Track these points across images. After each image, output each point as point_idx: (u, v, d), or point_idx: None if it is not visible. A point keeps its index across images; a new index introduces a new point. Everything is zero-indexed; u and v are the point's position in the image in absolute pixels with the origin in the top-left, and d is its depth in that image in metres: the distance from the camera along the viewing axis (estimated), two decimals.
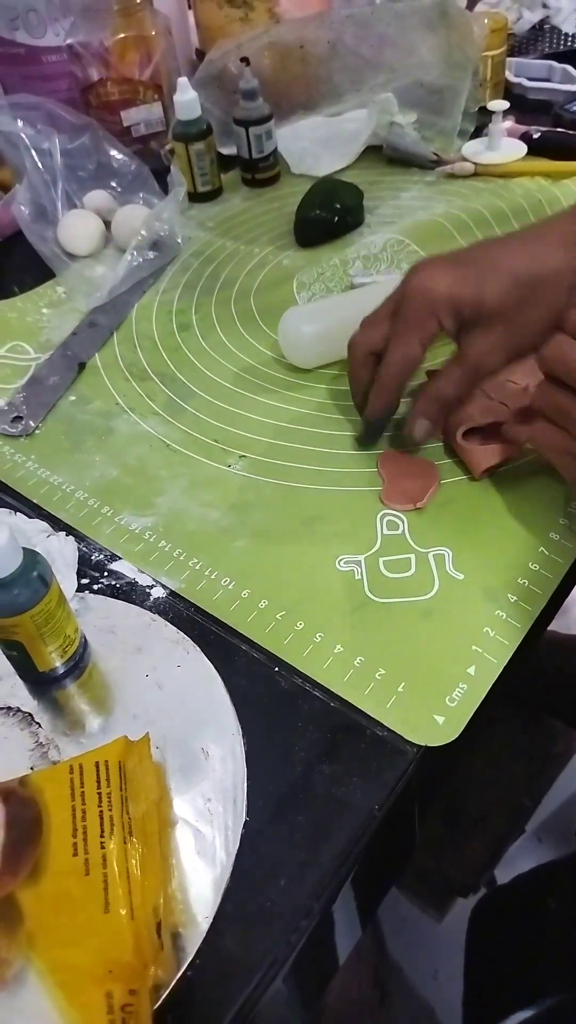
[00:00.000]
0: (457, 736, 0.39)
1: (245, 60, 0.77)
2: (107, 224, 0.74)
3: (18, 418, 0.56)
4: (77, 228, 0.71)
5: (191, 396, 0.59)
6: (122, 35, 0.80)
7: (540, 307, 0.45)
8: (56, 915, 0.31)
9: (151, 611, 0.45)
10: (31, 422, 0.56)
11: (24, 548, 0.37)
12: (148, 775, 0.36)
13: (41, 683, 0.41)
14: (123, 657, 0.43)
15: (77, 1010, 0.29)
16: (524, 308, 0.45)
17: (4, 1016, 0.28)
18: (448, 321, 0.47)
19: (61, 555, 0.47)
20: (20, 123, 0.72)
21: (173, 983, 0.31)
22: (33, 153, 0.72)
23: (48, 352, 0.62)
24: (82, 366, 0.61)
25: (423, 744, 0.39)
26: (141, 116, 0.83)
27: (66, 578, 0.46)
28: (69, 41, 0.79)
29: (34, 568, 0.37)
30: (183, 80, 0.75)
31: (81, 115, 0.76)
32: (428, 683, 0.41)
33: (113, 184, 0.77)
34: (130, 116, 0.82)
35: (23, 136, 0.72)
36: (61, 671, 0.41)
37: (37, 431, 0.56)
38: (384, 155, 0.89)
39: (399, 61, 0.89)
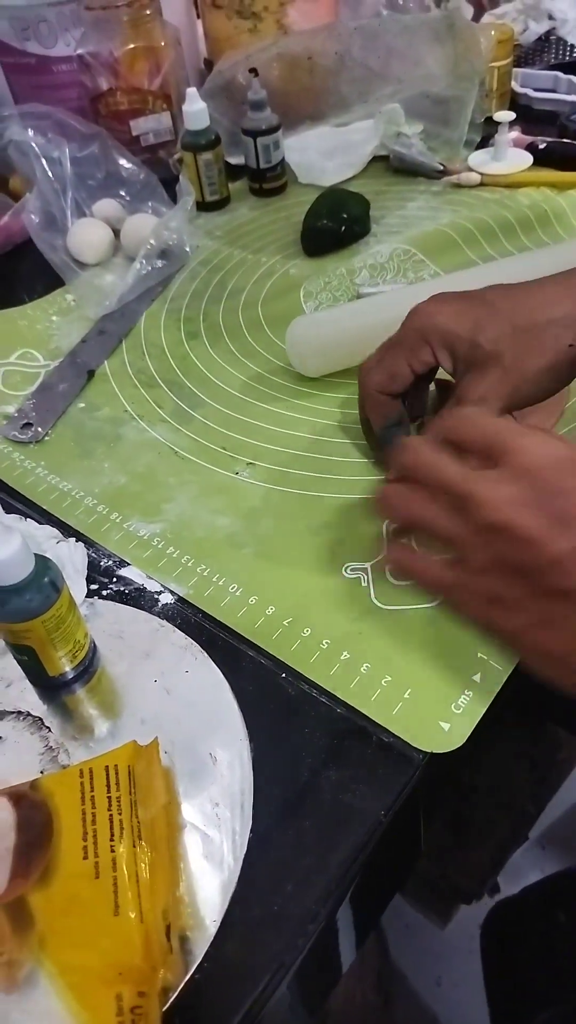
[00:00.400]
0: (463, 743, 0.39)
1: (254, 71, 0.78)
2: (116, 233, 0.75)
3: (28, 424, 0.57)
4: (86, 236, 0.72)
5: (199, 404, 0.60)
6: (132, 45, 0.81)
7: (539, 355, 0.44)
8: (66, 918, 0.31)
9: (159, 617, 0.46)
10: (40, 429, 0.57)
11: (36, 554, 0.38)
12: (157, 779, 0.36)
13: (51, 688, 0.42)
14: (131, 662, 0.43)
15: (87, 1012, 0.29)
16: (522, 354, 0.44)
17: (16, 1017, 0.29)
18: (442, 353, 0.46)
19: (71, 561, 0.47)
20: (31, 132, 0.73)
21: (181, 986, 0.31)
22: (43, 162, 0.73)
23: (57, 359, 0.63)
24: (91, 373, 0.61)
25: (429, 751, 0.39)
26: (150, 126, 0.84)
27: (76, 584, 0.46)
28: (79, 51, 0.80)
29: (45, 574, 0.38)
30: (192, 90, 0.76)
31: (90, 124, 0.77)
32: (434, 690, 0.41)
33: (122, 193, 0.78)
34: (139, 125, 0.83)
35: (33, 145, 0.73)
36: (71, 676, 0.42)
37: (46, 438, 0.57)
38: (390, 165, 0.89)
39: (406, 72, 0.90)
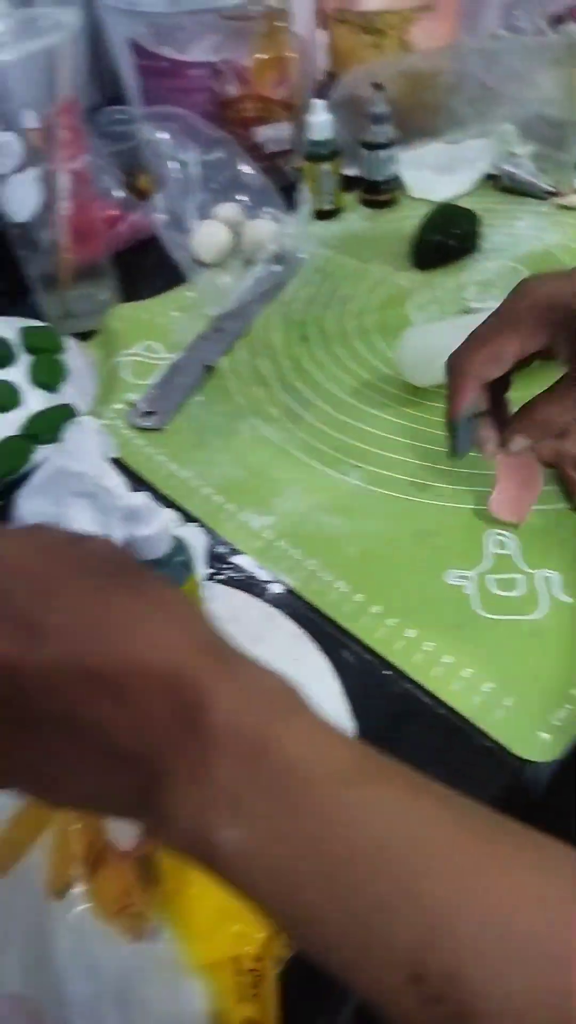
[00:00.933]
0: (561, 755, 0.41)
1: (379, 86, 0.80)
2: (234, 235, 0.78)
3: (151, 413, 0.60)
4: (208, 238, 0.75)
5: (309, 405, 0.62)
6: (263, 55, 0.83)
7: None
8: (189, 877, 0.33)
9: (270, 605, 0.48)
10: (162, 418, 0.59)
11: (172, 535, 0.40)
12: None
13: None
14: (244, 646, 0.46)
15: (208, 969, 0.32)
16: None
17: (142, 965, 0.31)
18: (560, 336, 0.42)
19: (191, 545, 0.50)
20: (163, 134, 0.77)
21: (294, 952, 0.33)
22: (173, 163, 0.76)
23: (178, 353, 0.66)
24: (209, 369, 0.64)
25: (527, 758, 0.40)
26: (272, 134, 0.86)
27: (197, 567, 0.49)
28: (212, 58, 0.83)
29: (181, 553, 0.40)
30: (320, 102, 0.78)
31: (217, 129, 0.80)
32: (534, 700, 0.43)
33: (242, 197, 0.80)
34: (262, 133, 0.86)
35: (165, 146, 0.76)
36: None
37: (168, 427, 0.60)
38: (499, 184, 0.90)
39: (522, 93, 0.91)
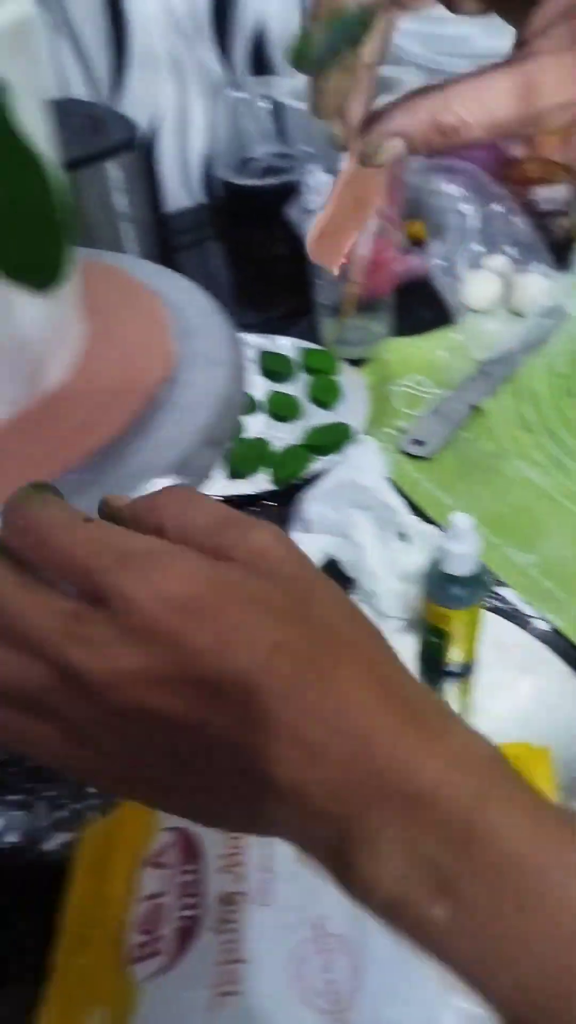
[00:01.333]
0: None
1: None
2: (504, 286, 0.80)
3: (420, 442, 0.63)
4: (480, 286, 0.78)
5: (575, 455, 0.63)
6: None
7: None
8: None
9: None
10: (431, 448, 0.63)
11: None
12: (544, 787, 0.39)
13: (437, 673, 0.47)
14: (510, 673, 0.47)
15: None
16: None
17: None
18: None
19: None
20: (448, 185, 0.81)
21: None
22: (454, 214, 0.80)
23: (444, 389, 0.69)
24: (474, 408, 0.67)
25: None
26: (550, 194, 0.89)
27: None
28: None
29: (482, 575, 0.43)
30: None
31: (497, 185, 0.84)
32: None
33: (512, 251, 0.83)
34: (540, 193, 0.89)
35: (449, 198, 0.80)
36: (458, 669, 0.46)
37: (435, 457, 0.63)
38: None
39: None
